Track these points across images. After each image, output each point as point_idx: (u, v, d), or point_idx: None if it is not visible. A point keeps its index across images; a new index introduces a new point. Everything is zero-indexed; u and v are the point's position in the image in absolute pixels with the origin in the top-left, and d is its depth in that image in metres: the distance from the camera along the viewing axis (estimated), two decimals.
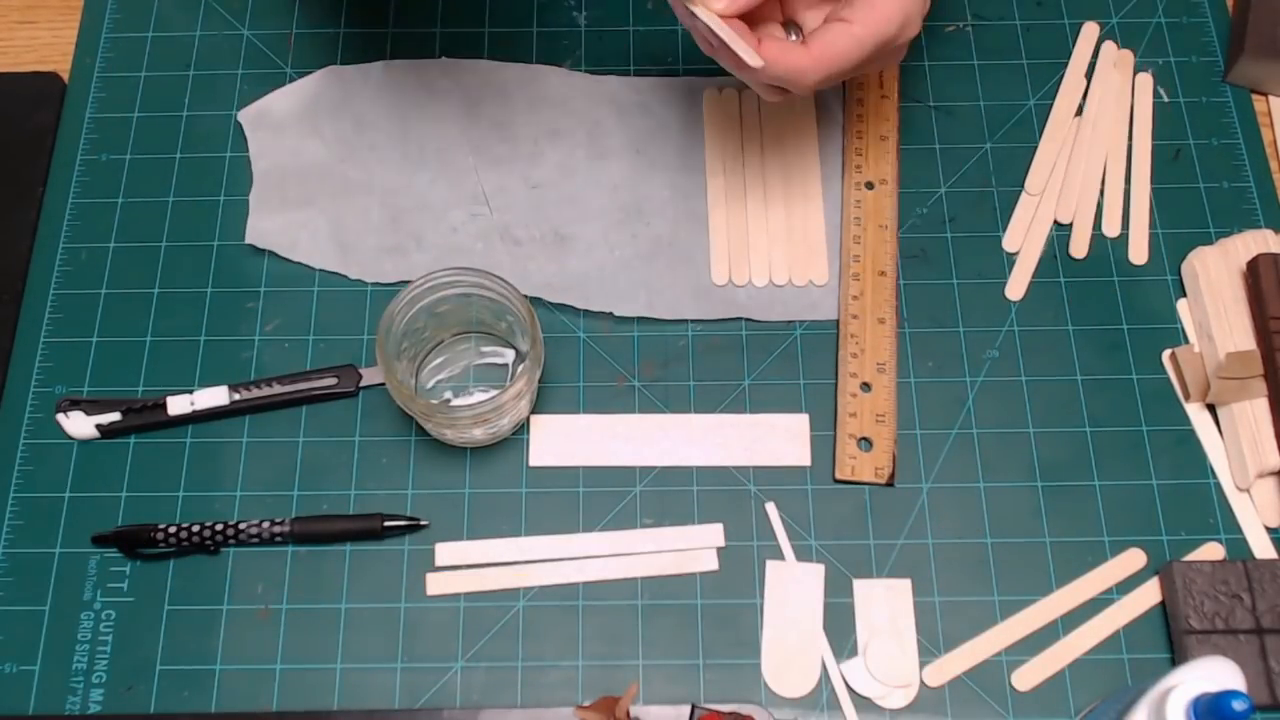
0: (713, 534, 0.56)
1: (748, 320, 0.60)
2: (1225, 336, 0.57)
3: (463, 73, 0.65)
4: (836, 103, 0.65)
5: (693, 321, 0.60)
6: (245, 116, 0.64)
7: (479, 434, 0.56)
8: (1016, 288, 0.61)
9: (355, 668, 0.53)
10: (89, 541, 0.55)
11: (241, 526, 0.55)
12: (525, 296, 0.53)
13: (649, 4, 0.68)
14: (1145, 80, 0.66)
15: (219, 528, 0.55)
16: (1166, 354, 0.59)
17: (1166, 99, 0.66)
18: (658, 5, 0.68)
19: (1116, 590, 0.55)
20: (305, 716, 0.52)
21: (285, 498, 0.57)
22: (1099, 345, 0.59)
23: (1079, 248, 0.61)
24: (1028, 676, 0.53)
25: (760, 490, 0.57)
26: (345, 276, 0.61)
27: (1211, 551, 0.55)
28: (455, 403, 0.58)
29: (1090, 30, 0.67)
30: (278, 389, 0.58)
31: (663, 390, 0.59)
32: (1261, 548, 0.55)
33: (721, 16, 0.49)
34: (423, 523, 0.56)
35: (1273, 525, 0.56)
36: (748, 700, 0.53)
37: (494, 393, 0.52)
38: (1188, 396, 0.58)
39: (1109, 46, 0.66)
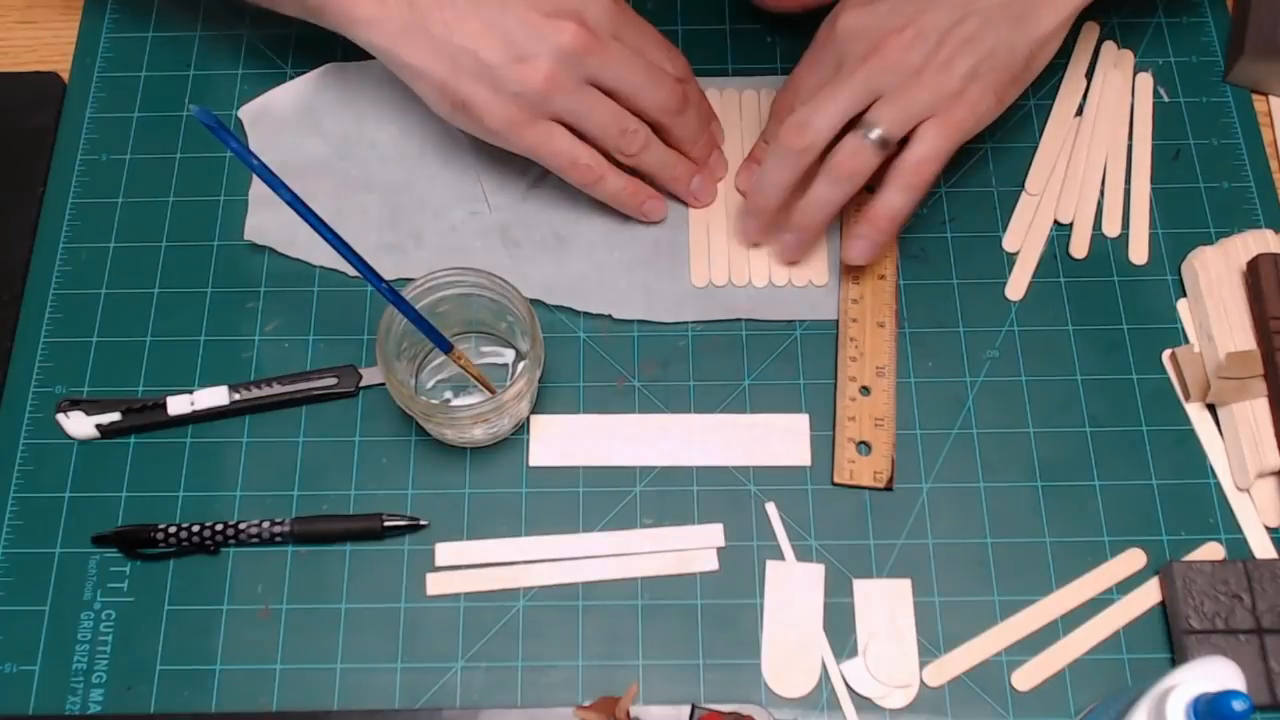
0: (713, 534, 0.56)
1: (748, 320, 0.60)
2: (1225, 336, 0.57)
3: None
4: None
5: (693, 322, 0.60)
6: (246, 113, 0.64)
7: (479, 434, 0.56)
8: (1016, 288, 0.61)
9: (355, 668, 0.53)
10: (89, 541, 0.55)
11: (241, 526, 0.55)
12: (525, 297, 0.53)
13: (649, 4, 0.68)
14: (1145, 80, 0.66)
15: (219, 528, 0.55)
16: (1166, 354, 0.59)
17: (1166, 99, 0.66)
18: (658, 6, 0.68)
19: (1116, 590, 0.55)
20: (305, 716, 0.52)
21: (285, 498, 0.56)
22: (1099, 345, 0.59)
23: (1079, 248, 0.61)
24: (1028, 676, 0.53)
25: (760, 490, 0.57)
26: (345, 274, 0.61)
27: (1211, 551, 0.55)
28: (455, 403, 0.58)
29: (1090, 30, 0.67)
30: (278, 389, 0.58)
31: (663, 390, 0.59)
32: (1261, 548, 0.55)
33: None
34: (423, 523, 0.56)
35: (1273, 525, 0.56)
36: (748, 700, 0.53)
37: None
38: (1188, 396, 0.58)
39: (1109, 46, 0.66)
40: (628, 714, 0.49)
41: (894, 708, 0.53)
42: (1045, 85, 0.65)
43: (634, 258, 0.61)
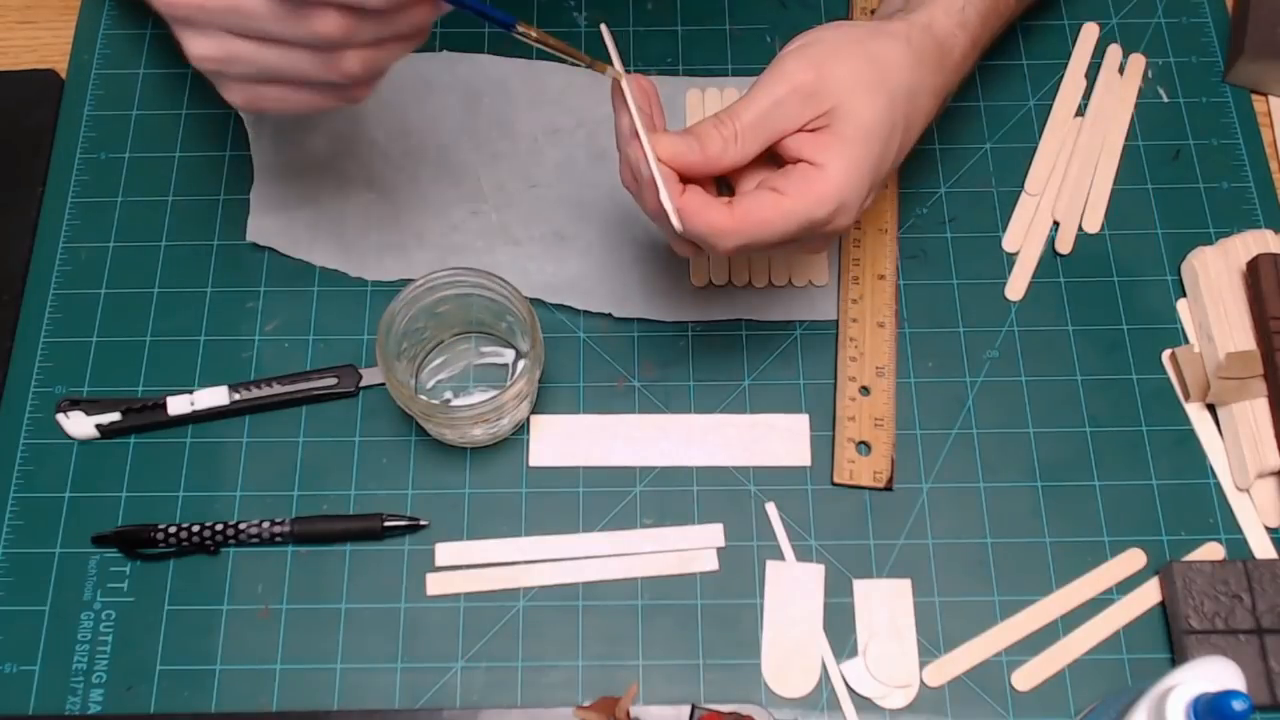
0: (713, 534, 0.56)
1: (747, 320, 0.60)
2: (1225, 336, 0.57)
3: (463, 67, 0.65)
4: None
5: (692, 321, 0.60)
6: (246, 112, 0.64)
7: (479, 434, 0.56)
8: (1016, 288, 0.61)
9: (355, 668, 0.53)
10: (89, 541, 0.55)
11: (241, 526, 0.55)
12: (525, 297, 0.53)
13: (649, 4, 0.68)
14: (1140, 72, 0.65)
15: (219, 528, 0.55)
16: (1166, 354, 0.59)
17: (1166, 99, 0.66)
18: (657, 6, 0.68)
19: (1116, 590, 0.55)
20: (305, 716, 0.52)
21: (285, 498, 0.56)
22: (1099, 345, 0.59)
23: (1065, 244, 0.61)
24: (1028, 676, 0.53)
25: (760, 490, 0.57)
26: (345, 275, 0.61)
27: (1211, 551, 0.55)
28: (455, 403, 0.58)
29: (1090, 30, 0.67)
30: (278, 389, 0.58)
31: (663, 390, 0.59)
32: (1261, 548, 0.55)
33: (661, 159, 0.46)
34: (423, 523, 0.56)
35: (1273, 525, 0.56)
36: (748, 700, 0.53)
37: (494, 393, 0.52)
38: (1188, 396, 0.58)
39: (1114, 50, 0.66)
40: (628, 714, 0.49)
41: (894, 708, 0.53)
42: (1045, 85, 0.65)
43: (634, 257, 0.61)
